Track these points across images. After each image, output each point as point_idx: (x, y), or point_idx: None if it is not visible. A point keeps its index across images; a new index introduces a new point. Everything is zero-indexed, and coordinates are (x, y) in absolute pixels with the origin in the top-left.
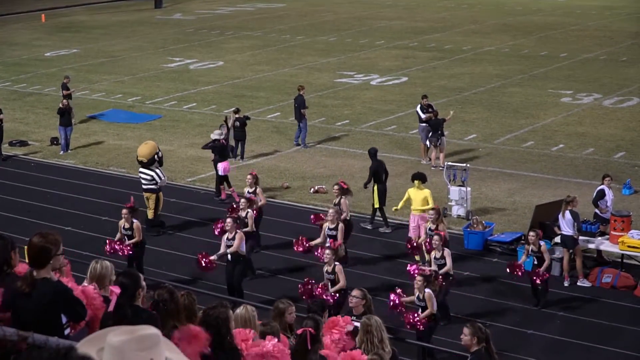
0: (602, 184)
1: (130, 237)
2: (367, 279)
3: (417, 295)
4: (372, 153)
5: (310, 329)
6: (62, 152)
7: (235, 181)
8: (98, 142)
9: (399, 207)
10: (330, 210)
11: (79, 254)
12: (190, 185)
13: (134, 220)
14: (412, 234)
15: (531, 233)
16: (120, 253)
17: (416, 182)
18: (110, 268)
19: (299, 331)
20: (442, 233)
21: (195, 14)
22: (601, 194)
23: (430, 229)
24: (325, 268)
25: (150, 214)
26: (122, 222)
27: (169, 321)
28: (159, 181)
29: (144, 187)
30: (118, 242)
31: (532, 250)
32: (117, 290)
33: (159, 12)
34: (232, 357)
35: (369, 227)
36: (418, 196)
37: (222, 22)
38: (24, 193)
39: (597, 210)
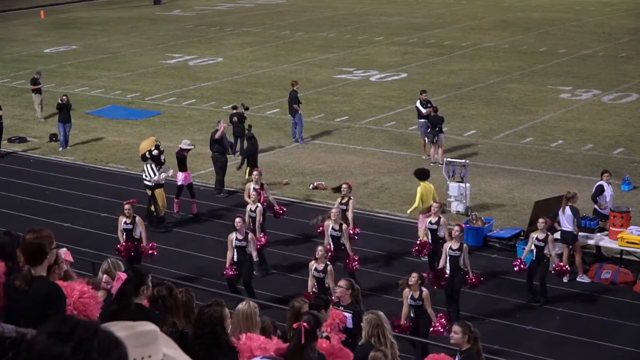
0: (601, 179)
1: (130, 231)
2: (369, 276)
3: (410, 294)
4: (249, 137)
5: (304, 323)
6: (61, 148)
7: (235, 177)
8: (97, 138)
9: (413, 208)
10: (334, 210)
11: (77, 250)
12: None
13: (136, 216)
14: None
15: (541, 220)
16: (145, 254)
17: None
18: None
19: (295, 325)
20: (462, 225)
21: (194, 10)
22: (600, 190)
23: (431, 222)
24: (315, 265)
25: (159, 210)
26: (122, 218)
27: (167, 317)
28: (150, 178)
29: (144, 182)
30: (130, 244)
31: (537, 238)
32: (123, 276)
33: (158, 8)
34: (229, 355)
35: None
36: (427, 192)
37: (222, 18)
38: (23, 189)
39: (596, 206)
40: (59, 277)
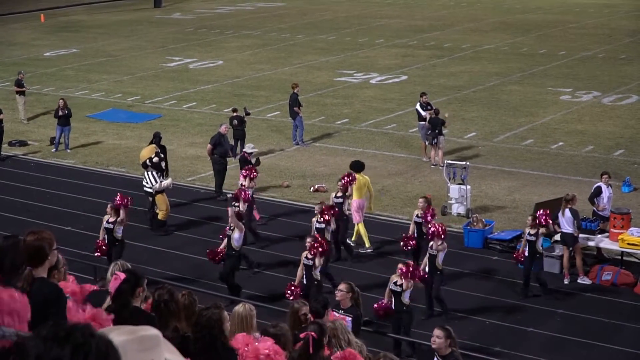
0: (601, 181)
1: (111, 230)
2: (369, 278)
3: (394, 280)
4: (159, 136)
5: (312, 333)
6: (54, 149)
7: (234, 179)
8: (97, 141)
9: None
10: (316, 206)
11: (78, 254)
12: (190, 185)
13: (121, 212)
14: (357, 219)
15: (530, 217)
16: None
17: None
18: None
19: (302, 335)
20: (439, 225)
21: (194, 13)
22: (598, 192)
23: (418, 215)
24: (305, 253)
25: (160, 214)
26: (106, 217)
27: (169, 321)
28: (151, 185)
29: (144, 188)
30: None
31: (529, 233)
32: (122, 275)
33: (158, 11)
34: (227, 357)
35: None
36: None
37: (222, 21)
38: (23, 193)
39: (594, 208)
40: (57, 282)
